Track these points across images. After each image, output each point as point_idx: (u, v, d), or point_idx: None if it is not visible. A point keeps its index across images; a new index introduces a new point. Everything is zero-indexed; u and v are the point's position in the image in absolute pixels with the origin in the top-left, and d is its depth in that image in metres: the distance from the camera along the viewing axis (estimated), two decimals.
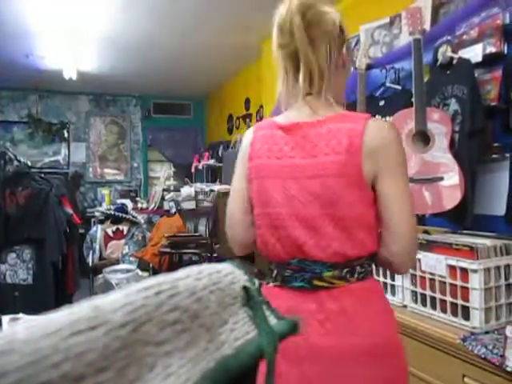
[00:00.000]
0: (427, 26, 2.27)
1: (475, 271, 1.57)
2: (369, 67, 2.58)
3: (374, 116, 2.70)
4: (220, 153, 5.68)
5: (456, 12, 2.18)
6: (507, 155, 1.91)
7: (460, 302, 1.63)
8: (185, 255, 4.43)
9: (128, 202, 5.62)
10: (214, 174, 5.92)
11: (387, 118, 2.47)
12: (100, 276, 4.27)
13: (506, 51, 1.95)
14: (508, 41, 1.94)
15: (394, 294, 1.99)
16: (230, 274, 0.46)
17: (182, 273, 0.42)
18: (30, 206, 3.11)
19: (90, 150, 6.54)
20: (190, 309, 0.38)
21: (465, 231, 1.97)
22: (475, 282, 1.57)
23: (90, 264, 4.69)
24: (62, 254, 3.28)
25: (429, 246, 1.79)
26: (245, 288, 0.46)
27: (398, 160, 1.08)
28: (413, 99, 2.06)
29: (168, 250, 4.15)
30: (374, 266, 1.11)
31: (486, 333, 1.56)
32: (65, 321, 0.31)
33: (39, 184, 3.26)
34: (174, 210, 5.22)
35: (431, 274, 1.76)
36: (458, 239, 1.74)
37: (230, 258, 1.89)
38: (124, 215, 5.16)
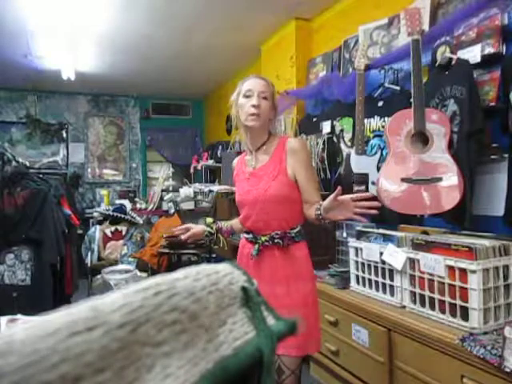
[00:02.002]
0: (426, 26, 2.28)
1: (474, 272, 1.57)
2: (367, 68, 2.58)
3: (373, 117, 2.70)
4: (219, 153, 5.67)
5: (455, 13, 2.18)
6: (505, 156, 1.92)
7: (459, 302, 1.63)
8: (183, 256, 4.43)
9: (127, 203, 5.60)
10: (213, 175, 5.92)
11: (386, 119, 2.48)
12: (98, 277, 4.26)
13: (504, 52, 1.95)
14: (506, 41, 1.95)
15: (392, 294, 1.99)
16: (228, 275, 0.46)
17: (180, 273, 0.42)
18: (29, 207, 3.10)
19: (89, 151, 6.52)
20: (189, 309, 0.38)
21: (463, 232, 1.98)
22: (474, 282, 1.57)
23: (89, 265, 4.68)
24: (60, 254, 3.27)
25: (427, 247, 1.80)
26: (243, 288, 0.46)
27: None
28: (411, 100, 2.06)
29: (167, 250, 4.15)
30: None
31: (485, 333, 1.56)
32: (63, 322, 0.31)
33: (38, 185, 3.25)
34: (172, 211, 5.22)
35: (430, 274, 1.76)
36: (456, 240, 1.74)
37: (228, 259, 1.88)
38: (123, 216, 5.15)
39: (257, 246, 1.63)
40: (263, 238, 1.62)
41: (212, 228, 1.86)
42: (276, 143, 1.67)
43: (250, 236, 1.68)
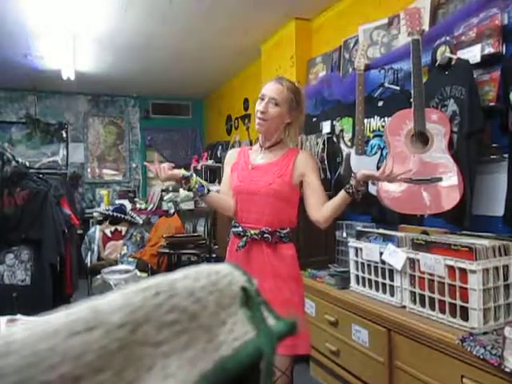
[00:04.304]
0: (426, 26, 2.28)
1: (474, 272, 1.57)
2: (367, 68, 2.58)
3: (373, 117, 2.70)
4: (219, 153, 5.67)
5: (455, 13, 2.18)
6: (505, 156, 1.92)
7: (459, 302, 1.63)
8: (183, 256, 4.43)
9: (126, 203, 5.61)
10: (213, 175, 5.92)
11: (386, 119, 2.48)
12: (98, 277, 4.26)
13: (504, 52, 1.95)
14: (507, 41, 1.95)
15: (392, 294, 1.99)
16: (228, 275, 0.45)
17: (180, 273, 0.42)
18: (29, 207, 3.10)
19: (89, 151, 6.52)
20: (189, 309, 0.38)
21: (463, 232, 1.98)
22: (474, 282, 1.57)
23: (89, 265, 4.68)
24: (60, 254, 3.27)
25: (427, 247, 1.79)
26: (243, 289, 0.46)
27: None
28: (411, 100, 2.06)
29: (166, 250, 4.15)
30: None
31: (485, 333, 1.56)
32: (63, 322, 0.31)
33: (37, 185, 3.25)
34: (172, 211, 5.22)
35: (430, 274, 1.76)
36: (456, 240, 1.74)
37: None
38: (122, 216, 5.15)
39: (244, 239, 1.66)
40: (252, 232, 1.65)
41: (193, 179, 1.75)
42: (287, 149, 1.75)
43: (240, 229, 1.70)
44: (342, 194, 1.60)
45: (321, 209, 1.64)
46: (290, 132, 1.76)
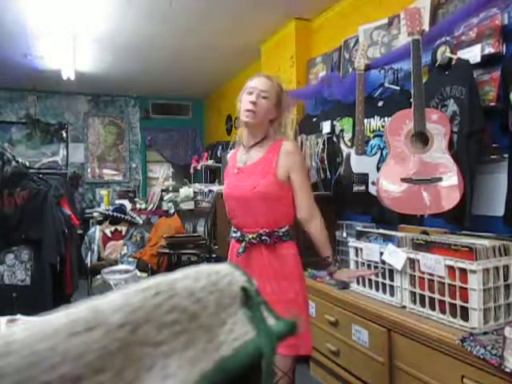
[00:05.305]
0: (426, 26, 2.27)
1: (474, 272, 1.57)
2: (367, 68, 2.58)
3: (373, 117, 2.70)
4: (219, 153, 5.67)
5: (455, 13, 2.18)
6: (505, 156, 1.92)
7: (459, 302, 1.63)
8: (183, 256, 4.43)
9: (126, 203, 5.60)
10: (213, 175, 5.92)
11: (386, 119, 2.48)
12: (98, 277, 4.26)
13: (504, 52, 1.95)
14: (507, 41, 1.95)
15: (392, 294, 1.99)
16: (228, 275, 0.45)
17: (180, 273, 0.42)
18: (29, 207, 3.10)
19: (89, 151, 6.52)
20: (189, 310, 0.38)
21: (464, 232, 1.98)
22: (474, 282, 1.57)
23: (89, 265, 4.68)
24: (60, 254, 3.27)
25: (427, 247, 1.79)
26: (243, 289, 0.46)
27: None
28: (411, 100, 2.06)
29: (167, 250, 4.14)
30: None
31: (485, 333, 1.56)
32: (63, 322, 0.31)
33: (37, 185, 3.25)
34: (172, 211, 5.21)
35: (430, 274, 1.76)
36: (456, 240, 1.74)
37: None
38: (123, 216, 5.15)
39: (243, 244, 1.64)
40: (250, 236, 1.63)
41: None
42: (271, 144, 1.69)
43: (238, 234, 1.69)
44: (321, 257, 1.70)
45: (301, 208, 1.65)
46: (273, 129, 1.74)
